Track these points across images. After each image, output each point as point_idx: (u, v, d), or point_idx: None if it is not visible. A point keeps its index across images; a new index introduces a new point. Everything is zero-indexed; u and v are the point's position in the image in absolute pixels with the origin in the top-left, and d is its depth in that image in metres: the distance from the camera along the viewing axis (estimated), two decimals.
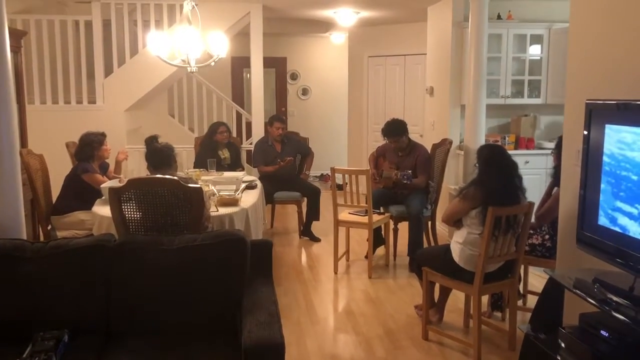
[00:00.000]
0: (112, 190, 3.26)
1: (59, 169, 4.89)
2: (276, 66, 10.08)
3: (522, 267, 3.97)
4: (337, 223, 5.09)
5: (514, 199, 3.39)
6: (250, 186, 4.84)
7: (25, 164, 4.52)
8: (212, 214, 3.88)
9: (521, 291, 4.16)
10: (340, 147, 9.75)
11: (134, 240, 2.86)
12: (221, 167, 6.02)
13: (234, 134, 7.61)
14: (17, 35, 5.32)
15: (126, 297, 2.72)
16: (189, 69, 4.68)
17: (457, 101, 6.29)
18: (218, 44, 4.65)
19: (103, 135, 4.82)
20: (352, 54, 8.89)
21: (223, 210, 3.98)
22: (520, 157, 6.10)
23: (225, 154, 6.22)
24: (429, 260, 3.72)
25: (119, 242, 2.81)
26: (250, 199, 4.41)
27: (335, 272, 5.11)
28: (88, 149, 4.69)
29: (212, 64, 4.81)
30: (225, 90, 8.88)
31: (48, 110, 6.30)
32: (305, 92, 10.31)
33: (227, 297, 2.75)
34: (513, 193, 3.40)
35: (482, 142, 5.80)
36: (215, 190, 4.30)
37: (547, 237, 3.87)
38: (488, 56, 5.73)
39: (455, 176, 6.22)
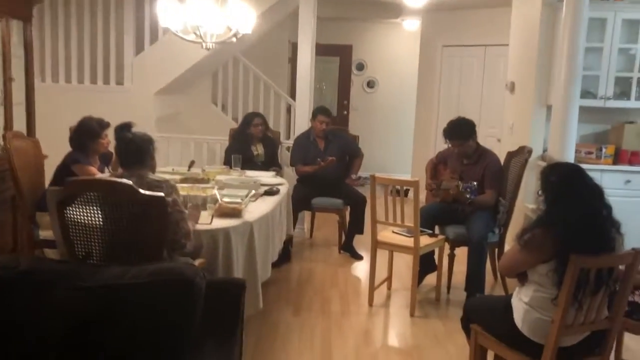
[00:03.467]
0: (50, 192, 2.47)
1: None
2: (340, 55, 9.14)
3: None
4: (376, 244, 4.11)
5: (606, 244, 2.30)
6: (271, 191, 3.95)
7: (8, 150, 3.86)
8: (203, 227, 3.03)
9: None
10: (407, 147, 8.65)
11: (40, 269, 2.03)
12: (254, 164, 5.20)
13: (282, 127, 6.80)
14: (28, 3, 4.70)
15: (17, 352, 1.90)
16: (203, 45, 3.86)
17: (542, 101, 5.11)
18: (239, 17, 3.80)
19: (104, 125, 4.08)
20: (424, 43, 7.77)
21: (219, 223, 3.11)
22: (619, 174, 4.88)
23: (259, 149, 5.38)
24: (480, 316, 2.68)
25: (18, 272, 1.98)
26: (261, 208, 3.52)
27: (370, 304, 4.14)
28: (82, 137, 3.98)
29: (234, 40, 3.96)
30: (281, 79, 8.05)
31: (70, 90, 5.71)
32: (371, 84, 9.30)
33: None
34: (603, 234, 2.31)
35: (571, 153, 4.61)
36: (219, 196, 3.45)
37: None
38: (586, 46, 4.53)
39: (534, 193, 5.03)
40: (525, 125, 5.32)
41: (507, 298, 2.58)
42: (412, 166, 8.05)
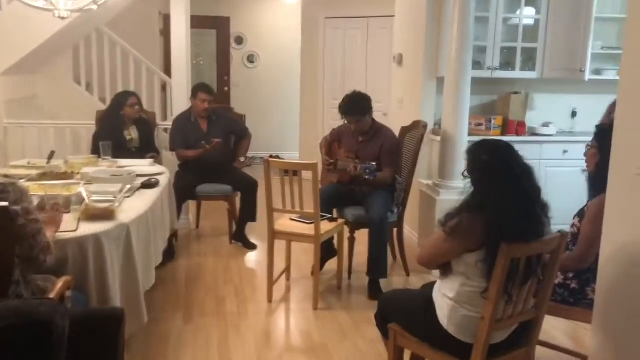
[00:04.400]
0: None
1: None
2: (218, 27, 8.57)
3: None
4: (274, 235, 3.74)
5: (538, 229, 2.11)
6: (149, 184, 3.44)
7: None
8: (68, 235, 2.49)
9: None
10: (294, 125, 8.31)
11: None
12: (127, 151, 4.62)
13: (157, 107, 6.18)
14: None
15: None
16: (56, 13, 3.23)
17: (432, 72, 4.97)
18: None
19: None
20: (305, 15, 7.43)
21: (87, 228, 2.58)
22: None
23: (132, 134, 4.79)
24: (398, 315, 2.42)
25: None
26: (139, 206, 3.01)
27: (270, 300, 3.78)
28: None
29: (94, 7, 3.36)
30: (153, 54, 7.35)
31: None
32: (251, 59, 8.83)
33: None
34: (535, 219, 2.12)
35: (465, 125, 4.51)
36: (86, 194, 2.90)
37: (571, 275, 2.63)
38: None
39: (428, 169, 4.94)
40: (415, 99, 5.18)
41: (428, 293, 2.33)
42: (300, 144, 7.75)
